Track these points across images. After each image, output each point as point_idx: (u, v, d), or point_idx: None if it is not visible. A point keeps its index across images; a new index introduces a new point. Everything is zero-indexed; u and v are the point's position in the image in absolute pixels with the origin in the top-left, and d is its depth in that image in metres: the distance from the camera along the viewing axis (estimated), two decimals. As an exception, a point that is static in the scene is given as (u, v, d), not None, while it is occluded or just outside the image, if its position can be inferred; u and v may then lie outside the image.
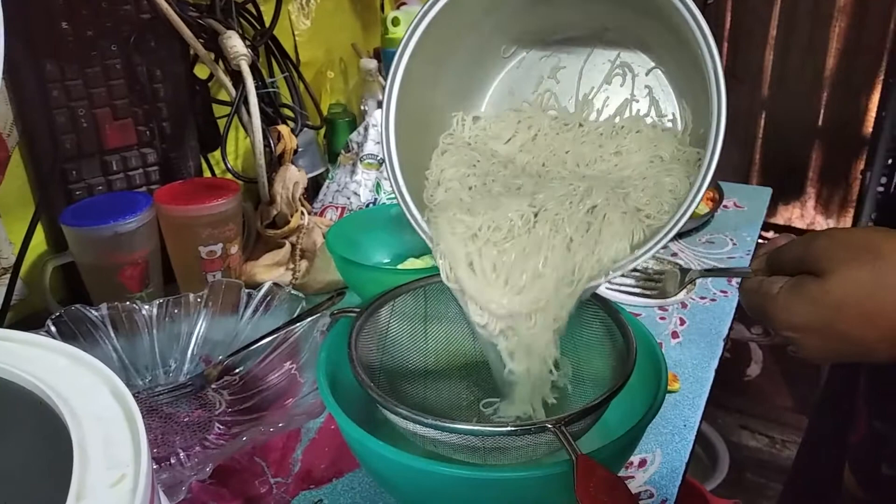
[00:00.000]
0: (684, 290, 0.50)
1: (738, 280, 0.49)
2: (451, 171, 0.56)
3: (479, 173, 0.56)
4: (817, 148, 2.26)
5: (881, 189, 1.59)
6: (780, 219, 2.47)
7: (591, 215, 0.51)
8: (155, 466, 0.58)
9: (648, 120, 0.58)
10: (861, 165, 2.14)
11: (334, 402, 0.50)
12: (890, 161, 1.58)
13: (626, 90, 0.59)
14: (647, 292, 0.49)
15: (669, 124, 0.58)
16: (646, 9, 0.53)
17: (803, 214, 2.44)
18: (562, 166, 0.58)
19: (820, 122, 2.21)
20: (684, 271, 0.49)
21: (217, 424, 0.63)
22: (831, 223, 2.39)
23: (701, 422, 0.65)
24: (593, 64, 0.60)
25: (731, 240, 0.99)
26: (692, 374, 0.71)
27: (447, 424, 0.47)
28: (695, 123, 0.57)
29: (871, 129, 2.07)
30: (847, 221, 2.30)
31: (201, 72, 0.88)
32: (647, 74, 0.58)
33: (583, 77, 0.60)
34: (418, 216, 0.56)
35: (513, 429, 0.46)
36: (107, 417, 0.29)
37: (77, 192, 0.77)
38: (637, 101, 0.59)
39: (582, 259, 0.50)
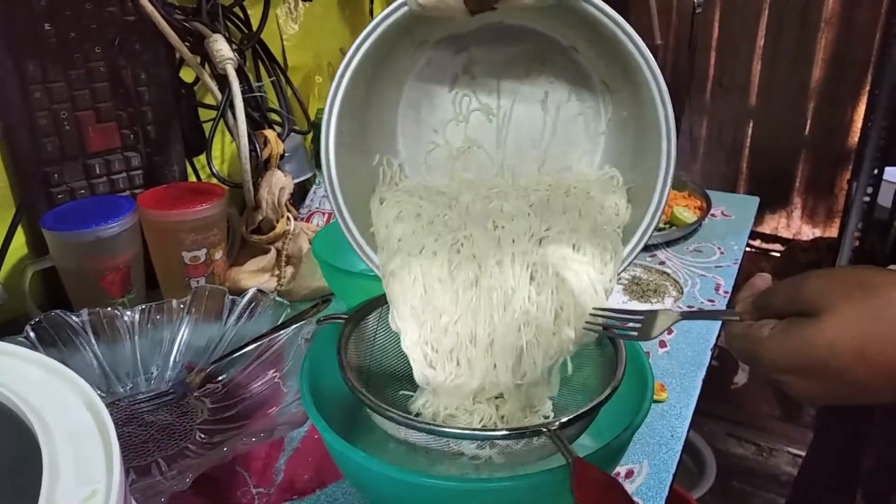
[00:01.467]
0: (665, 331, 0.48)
1: (724, 308, 0.47)
2: (400, 229, 0.54)
3: (426, 222, 0.55)
4: (804, 158, 2.27)
5: (867, 199, 1.60)
6: (766, 228, 2.49)
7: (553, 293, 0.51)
8: (133, 476, 0.57)
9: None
10: (847, 176, 2.15)
11: (317, 413, 0.50)
12: (875, 171, 1.58)
13: (544, 80, 0.57)
14: (628, 333, 0.49)
15: (590, 110, 0.57)
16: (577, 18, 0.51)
17: (790, 224, 2.45)
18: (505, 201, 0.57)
19: (807, 132, 2.22)
20: (666, 314, 0.48)
21: (198, 433, 0.62)
22: (817, 232, 2.41)
23: (688, 431, 0.65)
24: (508, 56, 0.57)
25: (719, 248, 0.99)
26: (679, 383, 0.70)
27: (443, 429, 0.46)
28: (616, 106, 0.56)
29: (857, 140, 2.08)
30: (833, 231, 2.32)
31: (187, 75, 0.87)
32: (564, 60, 0.56)
33: (502, 73, 0.58)
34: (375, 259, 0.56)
35: (507, 433, 0.45)
36: (80, 431, 0.28)
37: (59, 196, 0.76)
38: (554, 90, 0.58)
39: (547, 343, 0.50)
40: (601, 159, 0.58)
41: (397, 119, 0.59)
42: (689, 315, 0.48)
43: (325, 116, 0.53)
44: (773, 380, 0.42)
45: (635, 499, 0.56)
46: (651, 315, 0.48)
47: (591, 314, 0.50)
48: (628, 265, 0.54)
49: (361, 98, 0.55)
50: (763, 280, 0.46)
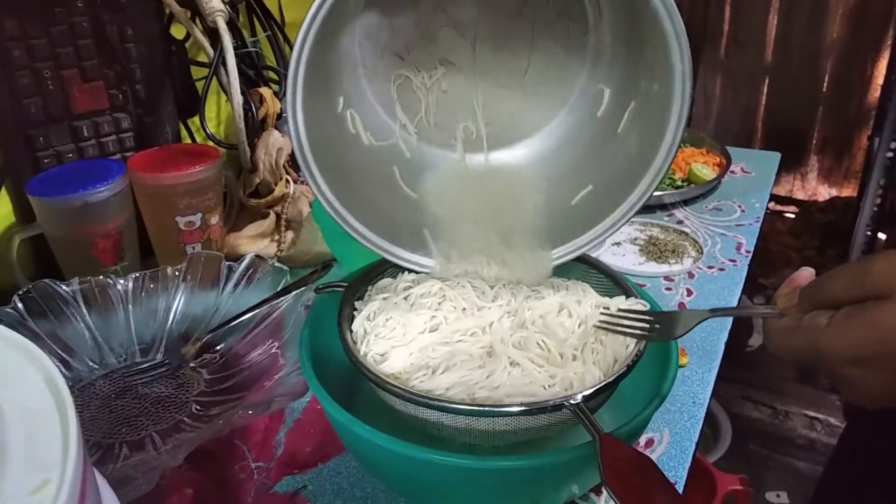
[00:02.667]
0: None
1: (761, 307, 0.43)
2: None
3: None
4: (821, 116, 2.20)
5: (890, 156, 1.54)
6: (781, 190, 2.43)
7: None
8: (126, 451, 0.54)
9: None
10: (867, 134, 2.09)
11: (318, 384, 0.46)
12: (899, 127, 1.53)
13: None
14: (647, 334, 0.45)
15: (575, 11, 0.52)
16: None
17: (805, 185, 2.39)
18: None
19: (824, 89, 2.15)
20: (691, 314, 0.44)
21: (194, 405, 0.59)
22: (834, 192, 2.35)
23: (711, 397, 0.61)
24: None
25: (740, 206, 0.94)
26: (701, 347, 0.67)
27: (456, 406, 0.43)
28: (614, 28, 0.51)
29: (877, 96, 2.01)
30: (850, 191, 2.26)
31: (178, 32, 0.83)
32: None
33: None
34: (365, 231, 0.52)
35: (526, 408, 0.42)
36: (35, 411, 0.24)
37: (45, 160, 0.72)
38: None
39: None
40: (588, 71, 0.53)
41: (356, 53, 0.53)
42: (720, 312, 0.44)
43: (291, 68, 0.46)
44: (837, 375, 0.37)
45: (656, 470, 0.53)
46: (675, 315, 0.44)
47: (611, 314, 0.48)
48: (636, 212, 0.50)
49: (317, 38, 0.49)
50: (806, 274, 0.41)
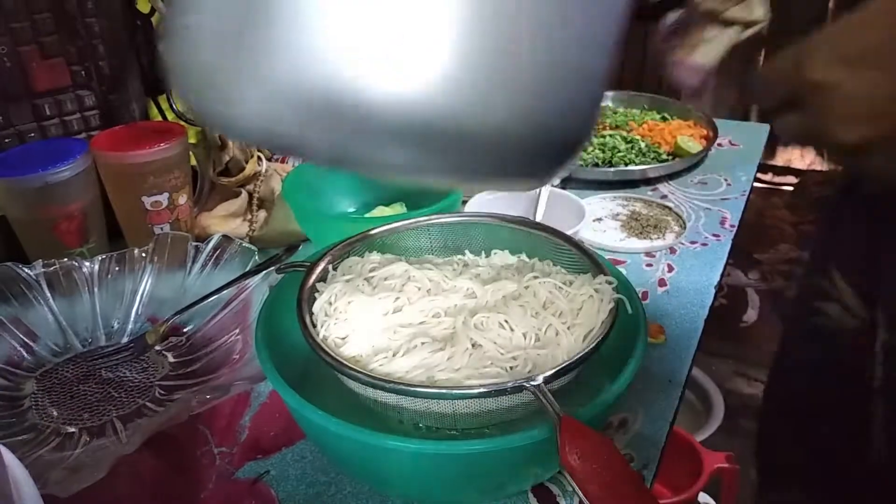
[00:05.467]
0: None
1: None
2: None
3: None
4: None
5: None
6: (779, 160, 2.40)
7: None
8: (86, 438, 0.53)
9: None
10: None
11: (271, 366, 0.45)
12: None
13: None
14: None
15: None
16: None
17: (804, 154, 2.36)
18: None
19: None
20: None
21: (158, 390, 0.57)
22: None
23: (689, 377, 0.60)
24: None
25: (726, 180, 0.92)
26: (679, 324, 0.65)
27: (412, 388, 0.41)
28: None
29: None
30: (849, 162, 2.23)
31: (144, 6, 0.80)
32: None
33: None
34: None
35: (486, 390, 0.41)
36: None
37: (6, 140, 0.70)
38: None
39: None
40: None
41: None
42: None
43: None
44: (819, 84, 0.31)
45: (628, 451, 0.52)
46: None
47: None
48: None
49: None
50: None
